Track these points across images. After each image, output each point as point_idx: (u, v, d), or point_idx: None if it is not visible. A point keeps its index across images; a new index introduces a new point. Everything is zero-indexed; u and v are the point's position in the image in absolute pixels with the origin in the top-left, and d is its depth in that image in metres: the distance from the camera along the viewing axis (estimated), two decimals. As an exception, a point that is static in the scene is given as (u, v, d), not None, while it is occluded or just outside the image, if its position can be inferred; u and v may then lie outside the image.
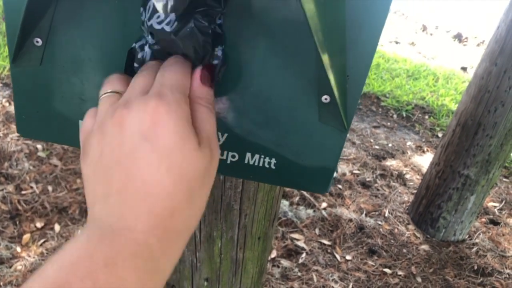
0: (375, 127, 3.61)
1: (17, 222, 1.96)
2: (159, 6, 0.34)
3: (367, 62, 0.39)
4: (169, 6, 0.34)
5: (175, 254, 0.31)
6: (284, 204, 2.50)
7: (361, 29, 0.38)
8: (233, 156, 0.46)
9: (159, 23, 0.34)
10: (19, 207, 2.05)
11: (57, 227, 1.98)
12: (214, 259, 0.75)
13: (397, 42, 6.46)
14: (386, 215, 2.49)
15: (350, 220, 2.41)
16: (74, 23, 0.41)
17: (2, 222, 1.95)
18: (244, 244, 0.76)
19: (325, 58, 0.36)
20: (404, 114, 3.87)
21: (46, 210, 2.06)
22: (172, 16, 0.34)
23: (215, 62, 0.38)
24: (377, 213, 2.50)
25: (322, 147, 0.44)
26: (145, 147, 0.29)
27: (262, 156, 0.45)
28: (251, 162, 0.46)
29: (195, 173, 0.30)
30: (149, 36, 0.36)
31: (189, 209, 0.30)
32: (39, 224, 1.97)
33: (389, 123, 3.71)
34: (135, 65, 0.39)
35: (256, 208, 0.72)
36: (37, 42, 0.42)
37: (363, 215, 2.46)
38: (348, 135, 3.39)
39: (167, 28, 0.35)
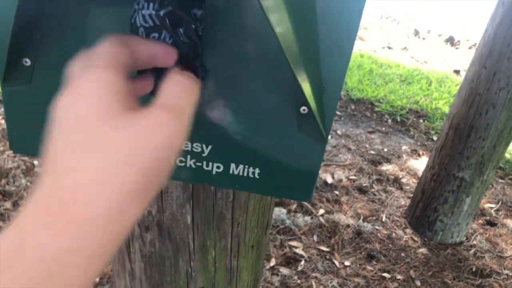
0: (370, 132, 3.63)
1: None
2: (150, 30, 0.36)
3: (341, 74, 0.41)
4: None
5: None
6: (282, 212, 2.51)
7: (333, 43, 0.40)
8: (218, 167, 0.47)
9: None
10: (18, 224, 2.05)
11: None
12: (208, 268, 0.77)
13: (389, 48, 6.51)
14: (383, 219, 2.50)
15: (348, 225, 2.42)
16: (62, 43, 0.43)
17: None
18: (238, 253, 0.78)
19: (300, 72, 0.38)
20: (398, 118, 3.89)
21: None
22: (165, 33, 0.36)
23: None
24: (374, 218, 2.51)
25: (303, 156, 0.46)
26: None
27: (246, 166, 0.47)
28: (235, 173, 0.48)
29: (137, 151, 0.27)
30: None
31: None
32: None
33: (384, 128, 3.74)
34: None
35: (248, 216, 0.73)
36: (26, 62, 0.44)
37: (361, 220, 2.47)
38: (343, 140, 3.42)
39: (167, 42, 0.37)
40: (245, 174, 0.48)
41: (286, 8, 0.34)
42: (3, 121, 2.78)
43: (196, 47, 0.38)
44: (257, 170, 0.47)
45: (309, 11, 0.39)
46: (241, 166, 0.47)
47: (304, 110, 0.43)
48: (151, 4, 0.35)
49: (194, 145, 0.46)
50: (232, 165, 0.47)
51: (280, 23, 0.34)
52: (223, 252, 0.76)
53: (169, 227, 0.70)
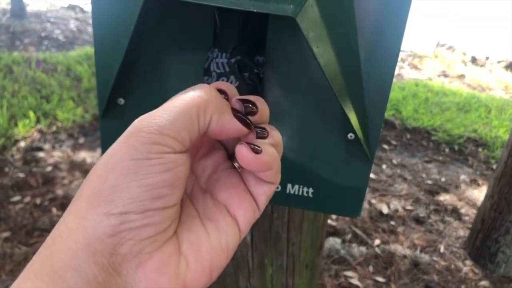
0: (426, 161, 3.58)
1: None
2: (220, 75, 0.45)
3: (383, 104, 0.48)
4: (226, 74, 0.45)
5: None
6: (336, 241, 2.52)
7: (375, 75, 0.47)
8: (276, 187, 0.55)
9: None
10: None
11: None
12: (266, 285, 0.83)
13: (445, 75, 6.40)
14: (441, 250, 2.44)
15: (405, 256, 2.39)
16: (150, 84, 0.53)
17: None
18: (293, 271, 0.83)
19: (346, 103, 0.45)
20: (456, 147, 3.81)
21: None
22: (232, 78, 0.45)
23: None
24: (432, 248, 2.46)
25: (352, 177, 0.53)
26: None
27: (301, 186, 0.54)
28: (291, 192, 0.55)
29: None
30: None
31: None
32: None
33: (441, 157, 3.67)
34: None
35: (302, 237, 0.79)
36: (120, 101, 0.54)
37: (418, 251, 2.43)
38: (399, 170, 3.39)
39: (233, 85, 0.46)
40: (300, 193, 0.54)
41: (330, 41, 0.41)
42: (71, 153, 3.00)
43: (257, 88, 0.46)
44: (311, 190, 0.54)
45: (352, 45, 0.46)
46: (296, 186, 0.54)
47: (351, 136, 0.50)
48: (224, 54, 0.44)
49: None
50: (289, 185, 0.54)
51: (324, 55, 0.41)
52: (280, 270, 0.82)
53: (231, 245, 0.77)
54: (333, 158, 0.52)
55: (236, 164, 0.35)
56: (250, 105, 0.33)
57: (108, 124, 0.55)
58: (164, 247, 0.28)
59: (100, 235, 0.26)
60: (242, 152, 0.30)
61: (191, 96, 0.29)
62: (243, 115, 0.32)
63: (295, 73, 0.49)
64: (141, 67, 0.51)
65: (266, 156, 0.31)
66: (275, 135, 0.33)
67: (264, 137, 0.33)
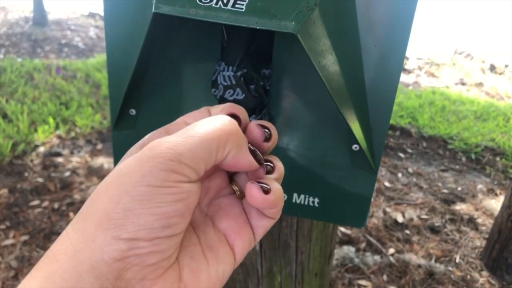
0: (442, 170, 3.54)
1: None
2: (227, 87, 0.46)
3: (387, 116, 0.48)
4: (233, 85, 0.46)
5: None
6: (350, 250, 2.51)
7: (379, 90, 0.48)
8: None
9: (231, 95, 0.47)
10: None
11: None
12: (275, 293, 0.84)
13: (463, 84, 6.33)
14: (457, 260, 2.41)
15: (419, 266, 2.37)
16: (160, 95, 0.54)
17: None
18: (302, 280, 0.84)
19: (350, 115, 0.46)
20: (473, 156, 3.76)
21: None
22: (238, 90, 0.46)
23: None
24: (447, 258, 2.43)
25: (357, 187, 0.53)
26: None
27: (307, 196, 0.55)
28: (298, 201, 0.56)
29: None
30: None
31: None
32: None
33: (457, 166, 3.62)
34: None
35: (311, 245, 0.80)
36: (132, 112, 0.56)
37: (433, 261, 2.41)
38: (414, 179, 3.36)
39: (239, 97, 0.47)
40: (306, 203, 0.55)
41: (333, 55, 0.42)
42: (89, 159, 3.05)
43: (263, 100, 0.48)
44: (316, 200, 0.55)
45: (356, 58, 0.48)
46: (302, 196, 0.55)
47: (355, 147, 0.50)
48: (231, 67, 0.45)
49: (263, 177, 0.55)
50: (295, 195, 0.55)
51: (327, 69, 0.43)
52: (289, 278, 0.82)
53: (241, 252, 0.78)
54: (338, 168, 0.53)
55: (235, 189, 0.36)
56: (267, 131, 0.34)
57: (120, 133, 0.57)
58: (167, 274, 0.28)
59: (107, 259, 0.25)
60: (253, 192, 0.31)
61: (213, 127, 0.29)
62: (256, 151, 0.33)
63: (301, 85, 0.50)
64: (151, 78, 0.53)
65: (273, 196, 0.32)
66: (280, 168, 0.34)
67: (271, 172, 0.34)
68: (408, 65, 6.66)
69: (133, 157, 0.28)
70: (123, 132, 0.57)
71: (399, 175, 3.43)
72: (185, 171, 0.27)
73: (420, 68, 6.62)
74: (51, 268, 0.26)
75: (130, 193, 0.26)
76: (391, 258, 2.45)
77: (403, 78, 5.80)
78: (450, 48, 7.94)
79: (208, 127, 0.29)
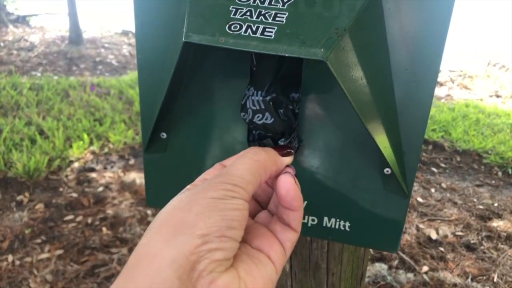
0: (478, 185, 3.43)
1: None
2: (256, 112, 0.47)
3: (419, 140, 0.48)
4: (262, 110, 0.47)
5: None
6: (383, 267, 2.45)
7: (411, 113, 0.47)
8: (313, 220, 0.55)
9: (260, 119, 0.47)
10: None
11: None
12: (305, 315, 0.82)
13: (498, 96, 6.16)
14: (495, 280, 2.32)
15: (455, 285, 2.29)
16: (191, 119, 0.55)
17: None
18: (333, 302, 0.82)
19: (383, 139, 0.45)
20: (510, 171, 3.63)
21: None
22: (267, 114, 0.46)
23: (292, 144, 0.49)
24: (484, 277, 2.34)
25: (389, 211, 0.52)
26: None
27: (338, 220, 0.54)
28: (328, 225, 0.55)
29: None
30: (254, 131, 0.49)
31: None
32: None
33: (493, 181, 3.51)
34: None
35: (342, 267, 0.79)
36: (163, 135, 0.56)
37: (469, 279, 2.32)
38: (448, 194, 3.27)
39: (268, 121, 0.47)
40: (337, 226, 0.55)
41: (363, 80, 0.42)
42: (122, 174, 3.11)
43: (292, 123, 0.48)
44: (347, 223, 0.54)
45: (387, 83, 0.47)
46: (333, 220, 0.54)
47: (387, 171, 0.50)
48: (259, 92, 0.45)
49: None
50: (325, 219, 0.55)
51: (357, 94, 0.42)
52: (320, 300, 0.81)
53: (270, 274, 0.78)
54: (370, 192, 0.52)
55: (271, 206, 0.43)
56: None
57: (151, 157, 0.58)
58: (228, 271, 0.33)
59: (185, 252, 0.31)
60: (288, 179, 0.38)
61: (259, 159, 0.38)
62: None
63: (331, 108, 0.49)
64: (182, 102, 0.54)
65: (300, 192, 0.39)
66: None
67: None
68: (440, 77, 6.54)
69: (201, 179, 0.40)
70: (154, 156, 0.58)
71: (432, 190, 3.35)
72: (240, 192, 0.35)
73: (452, 81, 6.49)
74: (131, 272, 0.31)
75: (199, 203, 0.33)
76: (425, 276, 2.38)
77: (435, 91, 5.68)
78: (484, 60, 7.75)
79: (257, 159, 0.38)
